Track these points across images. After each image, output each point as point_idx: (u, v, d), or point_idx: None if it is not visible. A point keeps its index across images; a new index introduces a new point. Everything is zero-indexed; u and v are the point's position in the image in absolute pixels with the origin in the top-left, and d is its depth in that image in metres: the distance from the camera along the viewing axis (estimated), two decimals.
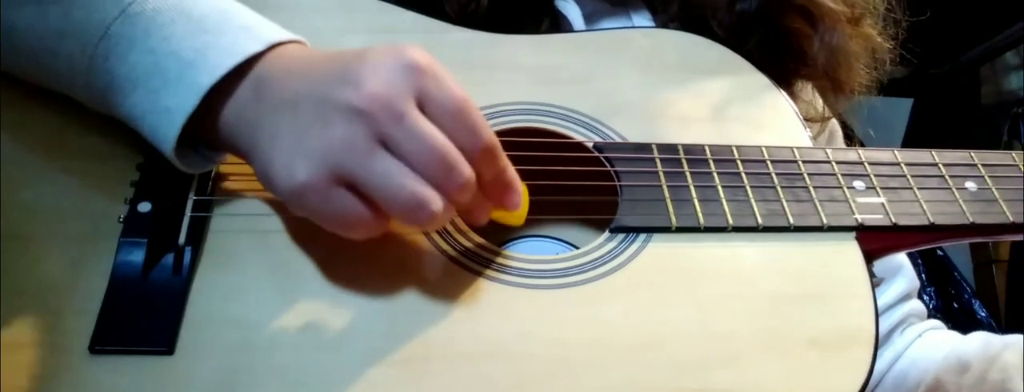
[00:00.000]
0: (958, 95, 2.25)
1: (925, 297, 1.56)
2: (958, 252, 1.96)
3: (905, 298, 0.92)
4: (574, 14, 0.83)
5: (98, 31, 0.58)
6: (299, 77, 0.56)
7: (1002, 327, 1.71)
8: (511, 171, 0.59)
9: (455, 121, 0.55)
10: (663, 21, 0.86)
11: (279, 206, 0.63)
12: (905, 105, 2.26)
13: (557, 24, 0.83)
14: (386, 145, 0.53)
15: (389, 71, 0.54)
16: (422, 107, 0.54)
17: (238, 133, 0.57)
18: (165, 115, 0.57)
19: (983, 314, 1.68)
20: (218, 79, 0.56)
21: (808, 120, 0.81)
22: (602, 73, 0.76)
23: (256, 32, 0.58)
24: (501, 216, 0.62)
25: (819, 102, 0.89)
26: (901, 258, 0.94)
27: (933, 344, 0.89)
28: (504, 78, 0.73)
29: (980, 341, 0.84)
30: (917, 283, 0.95)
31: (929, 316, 0.95)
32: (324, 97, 0.54)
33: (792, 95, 0.81)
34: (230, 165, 0.64)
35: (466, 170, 0.55)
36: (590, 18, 0.84)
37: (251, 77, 0.57)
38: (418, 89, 0.54)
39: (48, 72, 0.61)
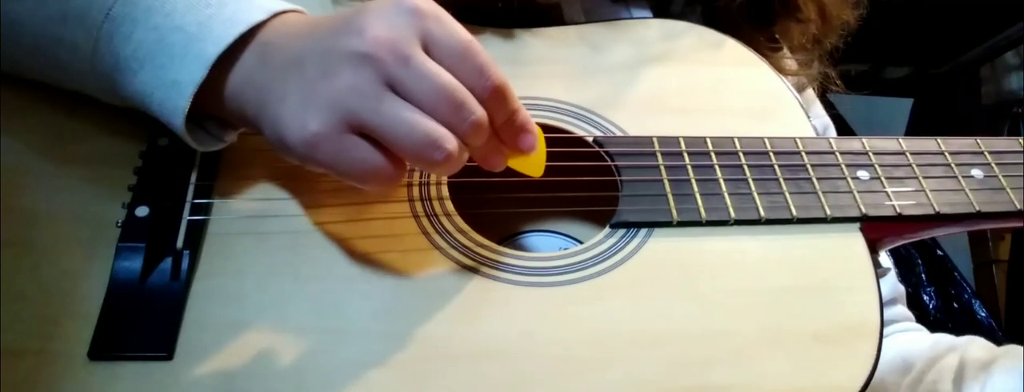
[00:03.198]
0: (958, 95, 2.24)
1: (925, 297, 1.56)
2: (958, 252, 1.95)
3: (889, 304, 0.90)
4: (573, 7, 0.83)
5: (100, 14, 0.57)
6: (303, 38, 0.56)
7: (1002, 327, 1.70)
8: (524, 113, 0.59)
9: (462, 61, 0.55)
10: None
11: (277, 208, 0.63)
12: (905, 105, 2.26)
13: (557, 17, 0.82)
14: (394, 89, 0.53)
15: (391, 16, 0.54)
16: (427, 50, 0.54)
17: (246, 100, 0.57)
18: (174, 89, 0.57)
19: (983, 314, 1.67)
20: (225, 48, 0.56)
21: (784, 73, 0.80)
22: (602, 66, 0.75)
23: (258, 2, 0.59)
24: (518, 163, 0.61)
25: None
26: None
27: (891, 346, 0.86)
28: (503, 73, 0.73)
29: (929, 343, 0.83)
30: (901, 289, 0.92)
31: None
32: (329, 48, 0.54)
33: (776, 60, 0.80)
34: (228, 168, 0.64)
35: (477, 108, 0.55)
36: (589, 12, 0.84)
37: (255, 44, 0.57)
38: (422, 32, 0.54)
39: (52, 62, 0.60)
